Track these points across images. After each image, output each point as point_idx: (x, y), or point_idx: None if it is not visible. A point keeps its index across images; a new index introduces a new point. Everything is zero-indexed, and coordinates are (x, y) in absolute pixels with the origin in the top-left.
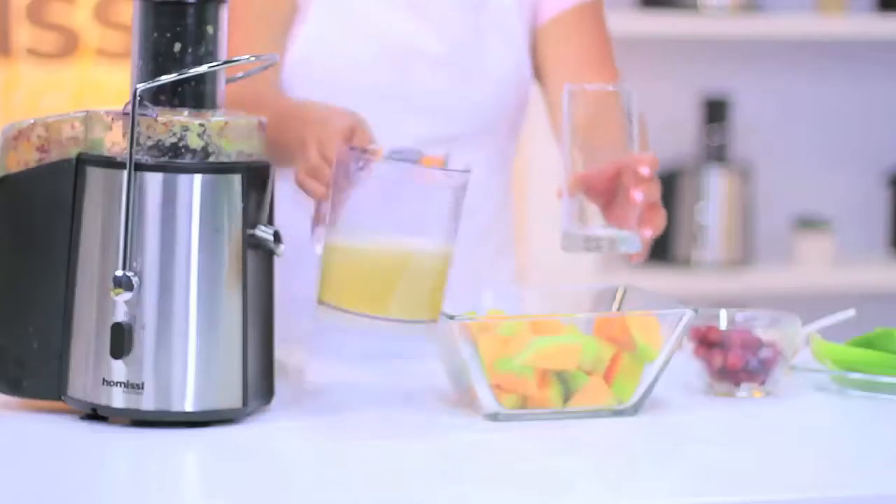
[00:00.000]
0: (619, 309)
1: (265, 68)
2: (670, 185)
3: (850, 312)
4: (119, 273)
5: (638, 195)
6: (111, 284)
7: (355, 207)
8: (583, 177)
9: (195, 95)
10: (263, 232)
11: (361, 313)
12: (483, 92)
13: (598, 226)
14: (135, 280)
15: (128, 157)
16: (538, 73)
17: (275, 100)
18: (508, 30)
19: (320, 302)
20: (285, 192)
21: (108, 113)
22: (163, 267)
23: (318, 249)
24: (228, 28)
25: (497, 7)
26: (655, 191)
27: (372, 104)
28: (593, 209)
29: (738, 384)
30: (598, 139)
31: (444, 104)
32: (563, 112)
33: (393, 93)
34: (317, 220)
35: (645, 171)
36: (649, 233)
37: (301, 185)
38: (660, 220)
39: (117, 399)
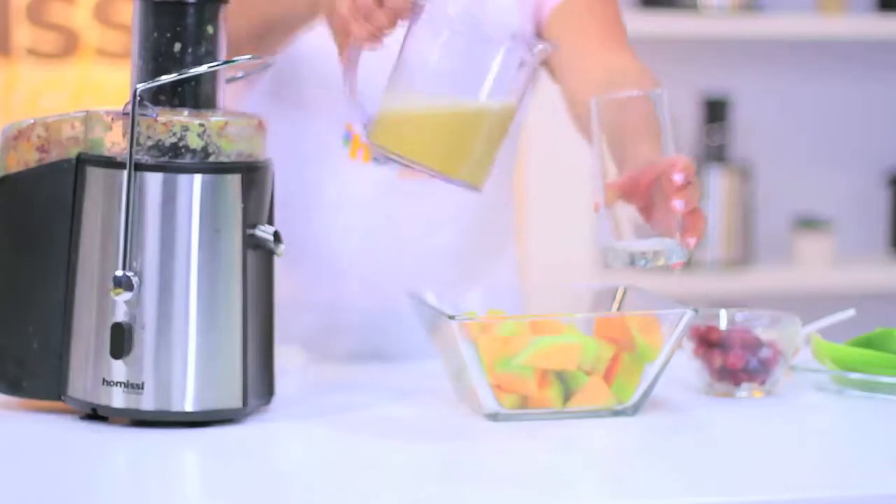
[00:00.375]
0: (619, 309)
1: (265, 68)
2: None
3: (850, 312)
4: (119, 273)
5: (678, 204)
6: (111, 284)
7: (422, 59)
8: (621, 184)
9: (195, 95)
10: (263, 232)
11: (412, 161)
12: None
13: (636, 237)
14: (135, 280)
15: (128, 157)
16: (551, 65)
17: None
18: (507, 30)
19: (373, 142)
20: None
21: (108, 113)
22: (163, 267)
23: (348, 91)
24: None
25: (495, 8)
26: (695, 196)
27: (371, 104)
28: (628, 218)
29: (738, 384)
30: (629, 143)
31: None
32: (592, 121)
33: None
34: (349, 68)
35: (679, 177)
36: (693, 240)
37: (344, 24)
38: (702, 225)
39: (117, 399)
